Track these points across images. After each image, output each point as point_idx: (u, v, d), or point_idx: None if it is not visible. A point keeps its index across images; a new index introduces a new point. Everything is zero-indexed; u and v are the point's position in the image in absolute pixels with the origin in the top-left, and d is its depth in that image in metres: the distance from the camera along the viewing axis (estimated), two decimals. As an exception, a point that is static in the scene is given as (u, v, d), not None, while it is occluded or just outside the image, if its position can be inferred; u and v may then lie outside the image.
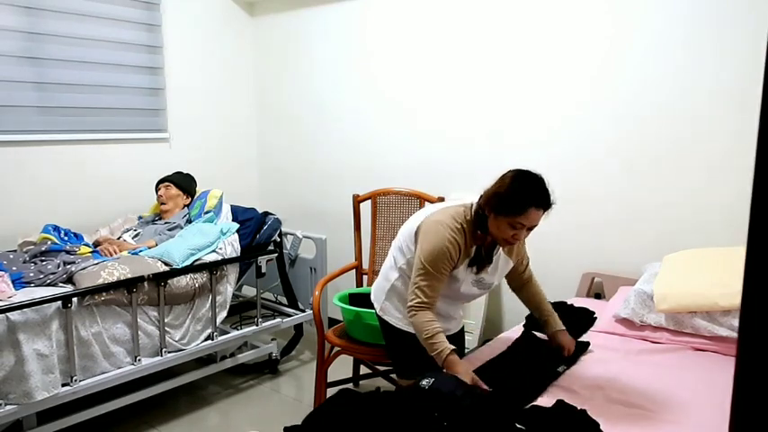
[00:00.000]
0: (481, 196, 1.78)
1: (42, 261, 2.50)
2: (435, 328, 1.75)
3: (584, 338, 2.07)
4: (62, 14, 3.09)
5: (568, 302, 2.27)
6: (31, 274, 2.38)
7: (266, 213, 3.18)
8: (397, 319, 1.97)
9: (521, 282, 2.05)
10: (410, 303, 1.79)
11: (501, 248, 1.89)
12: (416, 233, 1.83)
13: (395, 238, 2.00)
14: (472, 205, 1.82)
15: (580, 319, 2.13)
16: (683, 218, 2.45)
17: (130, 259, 2.59)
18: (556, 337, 1.95)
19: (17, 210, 2.98)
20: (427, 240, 1.77)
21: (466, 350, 2.29)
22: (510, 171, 1.74)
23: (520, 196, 1.67)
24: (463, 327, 2.16)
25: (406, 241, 1.89)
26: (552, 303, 2.08)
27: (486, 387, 1.65)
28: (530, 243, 2.74)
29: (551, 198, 1.70)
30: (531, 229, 1.72)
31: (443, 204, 1.91)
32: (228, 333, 2.91)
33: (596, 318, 2.19)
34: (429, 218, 1.82)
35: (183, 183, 3.21)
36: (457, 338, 2.06)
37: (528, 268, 2.05)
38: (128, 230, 3.06)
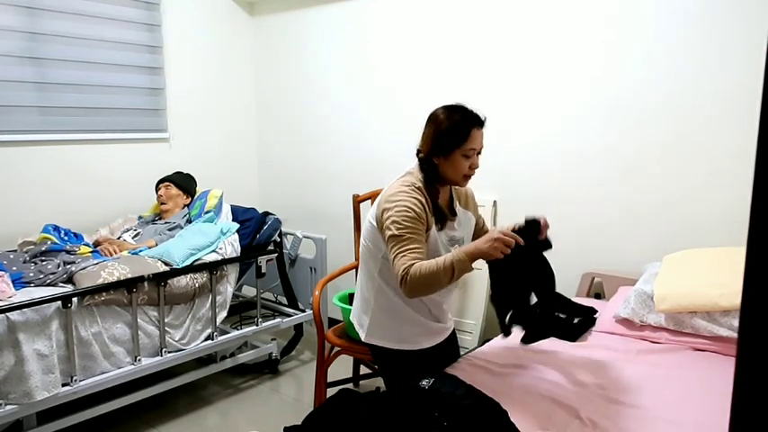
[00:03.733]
0: (420, 151, 1.79)
1: (42, 261, 2.50)
2: (435, 261, 1.59)
3: (583, 339, 2.06)
4: (62, 14, 3.09)
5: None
6: (31, 274, 2.38)
7: (266, 213, 3.18)
8: (388, 338, 1.86)
9: None
10: (400, 272, 1.60)
11: (458, 203, 1.89)
12: (378, 218, 1.74)
13: (360, 255, 1.93)
14: (415, 168, 1.80)
15: (581, 316, 2.11)
16: (683, 218, 2.45)
17: (130, 259, 2.59)
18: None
19: (17, 210, 2.98)
20: (392, 210, 1.67)
21: (466, 350, 2.28)
22: (433, 112, 1.77)
23: (459, 124, 1.71)
24: (455, 330, 2.08)
25: (373, 234, 1.79)
26: (556, 296, 2.05)
27: (519, 239, 1.60)
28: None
29: (480, 114, 1.75)
30: (479, 153, 1.76)
31: (387, 186, 1.84)
32: (228, 333, 2.91)
33: (597, 317, 2.19)
34: (383, 198, 1.75)
35: (183, 183, 3.21)
36: (449, 343, 2.02)
37: (485, 227, 2.07)
38: (128, 230, 3.06)
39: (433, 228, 1.75)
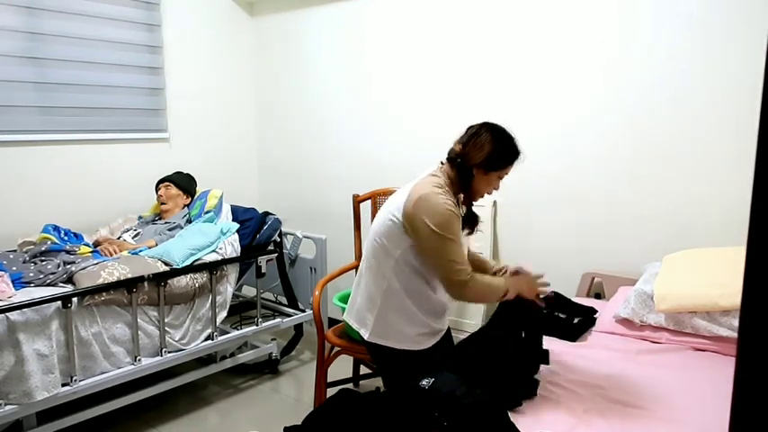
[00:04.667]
0: (460, 156, 1.81)
1: (42, 261, 2.50)
2: (492, 279, 1.83)
3: (583, 339, 2.06)
4: (62, 14, 3.09)
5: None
6: (31, 274, 2.38)
7: (266, 213, 3.18)
8: (394, 339, 1.84)
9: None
10: (456, 282, 1.72)
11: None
12: (409, 216, 1.74)
13: (364, 253, 1.93)
14: (439, 172, 1.84)
15: (581, 316, 2.12)
16: (683, 218, 2.45)
17: (130, 259, 2.59)
18: (517, 270, 1.95)
19: (17, 210, 2.98)
20: (430, 213, 1.69)
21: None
22: (497, 128, 1.83)
23: (508, 151, 1.81)
24: (449, 328, 2.08)
25: (393, 232, 1.79)
26: (556, 296, 2.06)
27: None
28: (530, 242, 2.76)
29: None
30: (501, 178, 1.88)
31: (408, 186, 1.83)
32: (228, 333, 2.91)
33: (597, 317, 2.19)
34: (411, 198, 1.74)
35: (183, 183, 3.21)
36: (446, 340, 2.02)
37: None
38: (128, 230, 3.06)
39: (464, 232, 1.86)
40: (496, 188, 1.87)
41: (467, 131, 1.85)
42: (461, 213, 1.84)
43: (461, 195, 1.86)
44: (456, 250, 1.72)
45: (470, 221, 1.90)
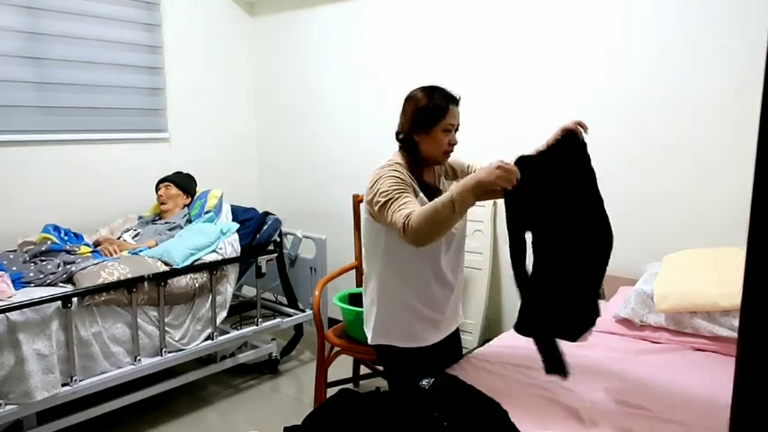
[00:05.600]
0: (399, 132, 1.83)
1: (42, 261, 2.50)
2: (433, 201, 1.54)
3: (583, 339, 2.06)
4: (62, 14, 3.09)
5: None
6: (31, 274, 2.38)
7: (266, 213, 3.18)
8: (391, 336, 1.86)
9: None
10: (401, 221, 1.56)
11: (444, 178, 1.92)
12: (368, 204, 1.77)
13: (363, 257, 1.96)
14: (392, 156, 1.85)
15: (580, 316, 2.06)
16: (684, 218, 2.45)
17: (130, 259, 2.59)
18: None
19: (17, 210, 2.98)
20: (375, 186, 1.71)
21: (467, 350, 2.29)
22: (411, 92, 1.85)
23: (437, 101, 1.77)
24: (458, 329, 2.07)
25: (370, 228, 1.83)
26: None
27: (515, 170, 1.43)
28: (530, 242, 2.71)
29: (455, 93, 1.81)
30: (457, 130, 1.82)
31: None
32: (228, 333, 2.91)
33: (598, 316, 2.18)
34: (366, 187, 1.79)
35: (183, 183, 3.21)
36: (453, 340, 2.02)
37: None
38: (128, 230, 3.06)
39: (419, 198, 1.74)
40: (453, 142, 1.80)
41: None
42: (415, 184, 1.77)
43: (425, 171, 1.85)
44: (400, 201, 1.63)
45: (428, 192, 1.79)
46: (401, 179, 1.71)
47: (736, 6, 2.24)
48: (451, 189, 1.50)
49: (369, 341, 1.92)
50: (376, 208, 1.70)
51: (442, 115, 1.76)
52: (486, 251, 2.94)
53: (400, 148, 1.85)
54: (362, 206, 1.85)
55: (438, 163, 1.87)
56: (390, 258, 1.82)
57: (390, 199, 1.65)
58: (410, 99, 1.84)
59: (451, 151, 1.83)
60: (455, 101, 1.80)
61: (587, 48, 2.62)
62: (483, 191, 1.46)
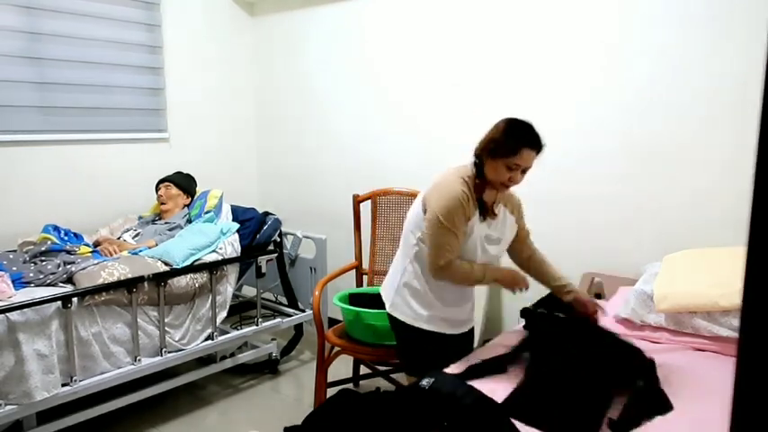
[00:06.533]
0: (477, 147, 1.89)
1: (42, 261, 2.50)
2: (473, 266, 1.85)
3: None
4: (62, 14, 3.09)
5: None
6: (31, 274, 2.38)
7: (266, 213, 3.18)
8: (407, 315, 1.98)
9: (528, 252, 2.10)
10: (435, 265, 1.81)
11: (503, 205, 1.98)
12: (424, 201, 1.88)
13: (403, 232, 2.04)
14: (468, 164, 1.92)
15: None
16: (684, 218, 2.45)
17: (130, 259, 2.59)
18: (579, 299, 1.99)
19: (17, 210, 2.98)
20: (439, 197, 1.82)
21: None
22: (502, 119, 1.87)
23: (513, 138, 1.80)
24: (473, 328, 2.14)
25: (417, 217, 1.92)
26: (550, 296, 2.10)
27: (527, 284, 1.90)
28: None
29: (541, 140, 1.82)
30: (524, 171, 1.84)
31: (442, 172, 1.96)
32: (228, 333, 2.91)
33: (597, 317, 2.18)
34: (434, 183, 1.90)
35: (183, 183, 3.21)
36: (466, 338, 2.08)
37: (530, 238, 2.13)
38: (128, 230, 3.06)
39: (476, 218, 1.86)
40: (514, 180, 1.84)
41: None
42: (473, 200, 1.87)
43: (488, 190, 1.90)
44: (448, 239, 1.80)
45: (482, 209, 1.90)
46: (463, 208, 1.80)
47: (736, 6, 2.24)
48: (486, 270, 1.87)
49: (387, 308, 2.05)
50: (431, 224, 1.82)
51: (510, 153, 1.79)
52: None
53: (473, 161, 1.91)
54: (420, 198, 1.93)
55: (495, 188, 1.90)
56: (421, 250, 1.92)
57: (441, 228, 1.80)
58: (496, 124, 1.88)
59: (509, 186, 1.88)
60: (532, 146, 1.80)
61: (587, 48, 2.62)
62: (498, 281, 1.91)
